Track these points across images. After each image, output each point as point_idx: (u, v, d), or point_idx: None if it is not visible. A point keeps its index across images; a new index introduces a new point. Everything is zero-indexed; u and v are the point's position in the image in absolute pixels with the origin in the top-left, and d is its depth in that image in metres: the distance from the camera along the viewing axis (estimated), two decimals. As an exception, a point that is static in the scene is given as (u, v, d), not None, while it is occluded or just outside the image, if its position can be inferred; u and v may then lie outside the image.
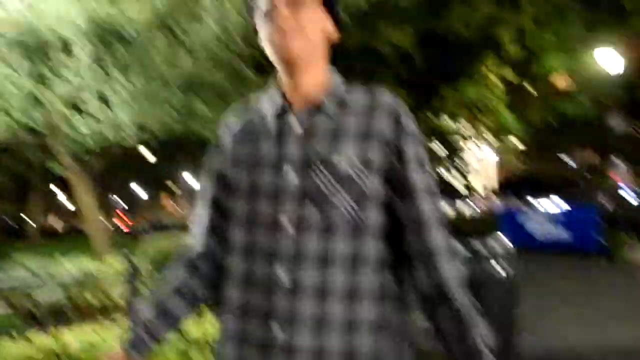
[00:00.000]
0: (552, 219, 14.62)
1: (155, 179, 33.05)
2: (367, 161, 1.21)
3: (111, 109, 7.55)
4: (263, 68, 8.50)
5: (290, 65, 1.27)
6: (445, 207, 25.01)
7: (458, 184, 29.60)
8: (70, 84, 7.52)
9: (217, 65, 7.38)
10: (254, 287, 1.22)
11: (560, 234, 14.24)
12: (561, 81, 17.75)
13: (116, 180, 29.34)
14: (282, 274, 1.18)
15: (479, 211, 26.80)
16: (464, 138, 23.72)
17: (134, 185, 41.12)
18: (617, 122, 14.44)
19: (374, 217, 1.21)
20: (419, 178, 1.25)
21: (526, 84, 17.10)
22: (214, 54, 7.12)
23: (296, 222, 1.20)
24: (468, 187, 30.73)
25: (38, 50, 7.89)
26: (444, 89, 15.27)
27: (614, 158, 14.63)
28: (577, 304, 7.76)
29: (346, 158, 1.21)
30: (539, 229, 14.65)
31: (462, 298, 1.20)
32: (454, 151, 25.45)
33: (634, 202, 18.76)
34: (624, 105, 20.52)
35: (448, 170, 27.75)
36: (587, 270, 11.51)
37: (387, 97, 1.28)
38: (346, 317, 1.17)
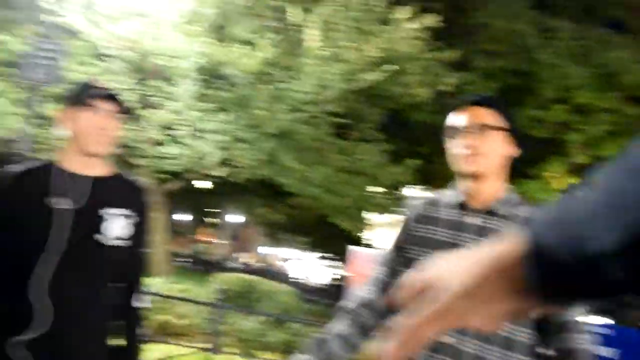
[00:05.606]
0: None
1: (202, 211, 33.45)
2: None
3: (200, 139, 7.93)
4: (344, 133, 8.86)
5: (472, 177, 1.53)
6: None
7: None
8: (169, 111, 7.97)
9: (308, 121, 7.75)
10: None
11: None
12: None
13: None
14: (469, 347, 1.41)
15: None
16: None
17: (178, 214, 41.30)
18: None
19: None
20: None
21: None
22: (308, 111, 7.50)
23: None
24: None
25: (143, 73, 8.40)
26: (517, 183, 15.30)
27: None
28: None
29: None
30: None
31: None
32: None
33: None
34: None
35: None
36: None
37: None
38: None
